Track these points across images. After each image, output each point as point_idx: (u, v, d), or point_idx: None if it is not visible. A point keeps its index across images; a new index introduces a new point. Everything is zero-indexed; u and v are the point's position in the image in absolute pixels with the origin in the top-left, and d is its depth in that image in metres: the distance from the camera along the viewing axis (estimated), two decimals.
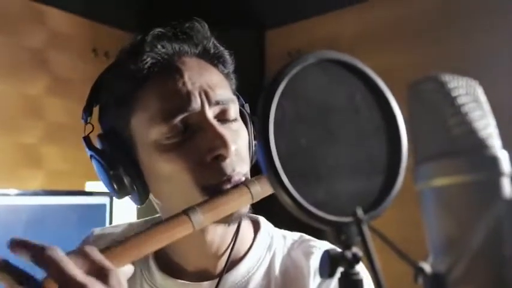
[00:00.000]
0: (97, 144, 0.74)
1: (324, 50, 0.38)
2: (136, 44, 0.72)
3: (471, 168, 0.27)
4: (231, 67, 0.78)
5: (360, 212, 0.30)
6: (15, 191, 1.80)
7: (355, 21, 2.76)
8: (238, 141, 0.71)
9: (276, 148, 0.34)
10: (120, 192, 0.73)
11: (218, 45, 0.77)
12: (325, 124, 0.37)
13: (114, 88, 0.73)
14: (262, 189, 0.67)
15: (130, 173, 0.71)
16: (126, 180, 0.71)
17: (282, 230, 0.83)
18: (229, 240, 0.75)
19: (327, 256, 0.36)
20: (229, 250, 0.75)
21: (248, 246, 0.78)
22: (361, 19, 2.73)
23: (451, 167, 0.28)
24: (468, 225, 0.27)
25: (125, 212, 1.98)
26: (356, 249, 0.37)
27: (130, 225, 0.88)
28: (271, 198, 0.68)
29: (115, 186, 0.72)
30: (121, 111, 0.72)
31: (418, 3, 2.52)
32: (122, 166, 0.71)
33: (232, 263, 0.75)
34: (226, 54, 0.77)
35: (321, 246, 0.77)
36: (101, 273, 0.53)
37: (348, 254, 0.36)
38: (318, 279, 0.73)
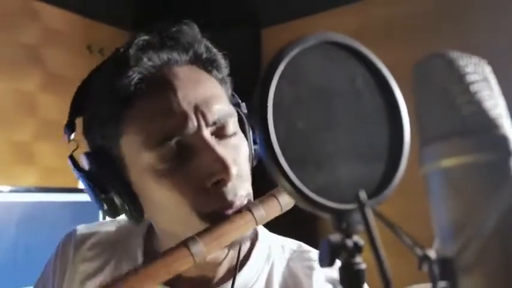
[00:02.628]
0: (83, 162, 0.69)
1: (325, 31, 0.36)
2: (120, 57, 0.65)
3: (480, 148, 0.26)
4: (225, 70, 0.73)
5: (362, 195, 0.29)
6: (8, 188, 1.78)
7: (351, 19, 2.75)
8: (239, 159, 0.66)
9: (275, 132, 0.33)
10: (113, 214, 0.69)
11: (211, 47, 0.71)
12: (325, 108, 0.36)
13: (99, 107, 0.68)
14: (267, 213, 0.63)
15: (122, 197, 0.66)
16: (118, 203, 0.67)
17: (280, 238, 0.80)
18: (227, 250, 0.72)
19: (328, 245, 0.34)
20: (228, 260, 0.72)
21: (245, 255, 0.75)
22: (357, 17, 2.73)
23: (459, 147, 0.26)
24: (477, 207, 0.26)
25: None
26: (357, 238, 0.35)
27: (118, 222, 0.85)
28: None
29: (107, 208, 0.68)
30: (108, 131, 0.67)
31: (415, 1, 2.51)
32: (113, 189, 0.66)
33: (230, 273, 0.72)
34: (219, 57, 0.72)
35: None
36: None
37: (349, 242, 0.35)
38: None
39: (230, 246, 0.65)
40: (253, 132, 0.73)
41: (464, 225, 0.26)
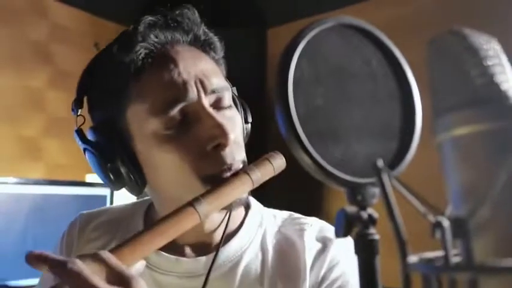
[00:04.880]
0: (89, 136, 0.73)
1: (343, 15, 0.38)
2: (129, 34, 0.71)
3: (492, 117, 0.28)
4: (221, 53, 0.78)
5: (380, 163, 0.31)
6: (18, 180, 1.80)
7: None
8: (235, 128, 0.72)
9: (295, 107, 0.35)
10: (117, 184, 0.72)
11: (208, 31, 0.77)
12: (342, 87, 0.38)
13: (107, 81, 0.73)
14: (262, 174, 0.68)
15: (127, 165, 0.70)
16: (123, 172, 0.70)
17: (272, 209, 0.85)
18: (221, 217, 0.77)
19: (343, 215, 0.36)
20: (221, 227, 0.76)
21: (239, 223, 0.79)
22: (362, 18, 2.73)
23: (471, 116, 0.28)
24: (488, 172, 0.27)
25: (125, 196, 1.98)
26: (371, 210, 0.37)
27: (119, 207, 0.89)
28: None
29: (112, 178, 0.71)
30: (115, 103, 0.71)
31: (419, 2, 2.53)
32: (119, 158, 0.70)
33: (225, 239, 0.76)
34: (216, 40, 0.77)
35: (312, 222, 0.80)
36: (122, 281, 0.53)
37: (364, 214, 0.37)
38: (312, 254, 0.75)
39: (229, 207, 0.70)
40: (244, 112, 0.79)
41: (475, 189, 0.28)
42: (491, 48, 0.30)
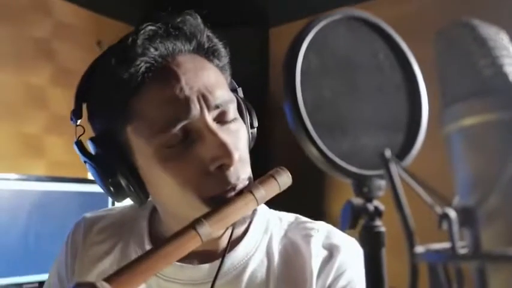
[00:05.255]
0: (89, 147, 0.72)
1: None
2: (128, 47, 0.67)
3: (500, 107, 0.28)
4: (225, 59, 0.76)
5: (387, 153, 0.31)
6: (20, 176, 1.81)
7: None
8: (240, 144, 0.69)
9: (302, 98, 0.35)
10: (119, 197, 0.71)
11: (212, 37, 0.74)
12: (349, 79, 0.38)
13: (106, 96, 0.70)
14: (266, 192, 0.67)
15: (128, 179, 0.69)
16: (124, 185, 0.69)
17: (278, 212, 0.84)
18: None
19: (350, 207, 0.36)
20: (227, 234, 0.75)
21: (244, 229, 0.78)
22: None
23: (480, 106, 0.28)
24: (496, 162, 0.27)
25: (127, 201, 1.98)
26: (378, 203, 0.37)
27: (124, 208, 0.88)
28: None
29: (113, 191, 0.70)
30: (114, 118, 0.70)
31: (424, 0, 2.53)
32: (119, 172, 0.69)
33: (230, 247, 0.75)
34: (220, 46, 0.75)
35: (319, 228, 0.78)
36: None
37: (370, 206, 0.37)
38: (318, 261, 0.73)
39: (233, 225, 0.69)
40: (250, 116, 0.77)
41: (484, 178, 0.28)
42: (499, 39, 0.30)
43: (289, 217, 0.82)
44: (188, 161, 0.66)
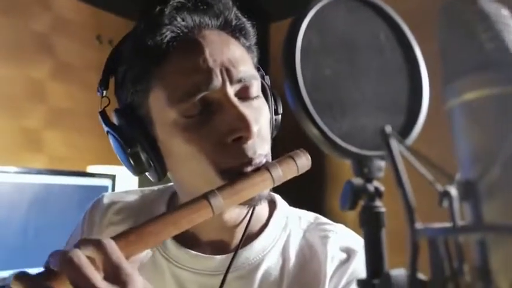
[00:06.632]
0: (113, 119, 0.72)
1: None
2: (155, 16, 0.68)
3: (503, 81, 0.27)
4: (253, 39, 0.75)
5: (388, 128, 0.30)
6: (20, 170, 1.80)
7: None
8: (260, 120, 0.68)
9: (302, 76, 0.34)
10: (137, 170, 0.71)
11: (240, 16, 0.74)
12: (350, 59, 0.37)
13: (131, 64, 0.71)
14: (284, 173, 0.65)
15: (148, 151, 0.69)
16: (143, 158, 0.69)
17: (297, 210, 0.82)
18: (243, 214, 0.75)
19: (350, 187, 0.36)
20: (244, 225, 0.74)
21: (263, 223, 0.77)
22: None
23: (482, 81, 0.28)
24: (499, 135, 0.27)
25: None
26: (377, 183, 0.37)
27: (142, 191, 0.87)
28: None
29: (132, 163, 0.70)
30: (138, 87, 0.70)
31: None
32: (139, 144, 0.69)
33: (247, 240, 0.74)
34: (248, 25, 0.74)
35: (337, 230, 0.76)
36: (119, 278, 0.51)
37: (370, 187, 0.36)
38: (334, 264, 0.72)
39: (247, 203, 0.67)
40: (275, 102, 0.76)
41: (485, 151, 0.27)
42: (502, 13, 0.30)
43: (308, 217, 0.80)
44: (206, 132, 0.65)
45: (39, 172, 1.85)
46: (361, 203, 0.37)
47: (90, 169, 2.23)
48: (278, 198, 0.81)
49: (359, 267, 0.71)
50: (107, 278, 0.51)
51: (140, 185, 2.02)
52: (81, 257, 0.50)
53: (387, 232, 0.36)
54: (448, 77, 0.30)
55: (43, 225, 1.77)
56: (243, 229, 0.74)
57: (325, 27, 0.37)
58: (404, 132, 0.39)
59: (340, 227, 0.78)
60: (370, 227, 0.36)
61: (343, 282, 0.70)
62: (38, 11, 2.68)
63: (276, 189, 0.84)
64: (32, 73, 2.63)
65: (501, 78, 0.28)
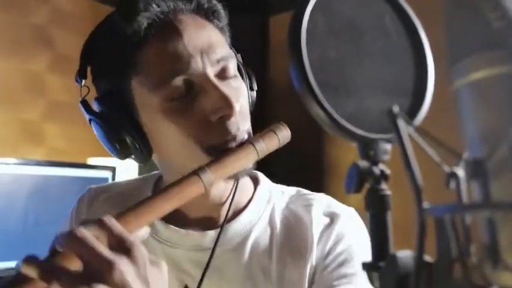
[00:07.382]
0: (95, 107, 0.73)
1: None
2: (130, 4, 0.69)
3: (508, 60, 0.27)
4: (225, 20, 0.77)
5: (396, 108, 0.30)
6: (19, 161, 1.80)
7: None
8: (240, 98, 0.71)
9: (308, 58, 0.34)
10: (123, 153, 0.73)
11: None
12: (355, 41, 0.37)
13: (110, 51, 0.72)
14: (267, 145, 0.68)
15: (133, 135, 0.71)
16: (128, 141, 0.71)
17: (280, 185, 0.85)
18: (229, 190, 0.77)
19: (356, 170, 0.36)
20: (230, 200, 0.77)
21: (248, 199, 0.80)
22: None
23: (490, 59, 0.28)
24: (506, 114, 0.27)
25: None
26: (383, 166, 0.37)
27: (127, 181, 0.90)
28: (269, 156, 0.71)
29: (117, 147, 0.71)
30: (118, 74, 0.71)
31: None
32: (124, 128, 0.70)
33: (234, 214, 0.77)
34: (219, 8, 0.76)
35: (319, 198, 0.80)
36: (124, 247, 0.52)
37: (376, 169, 0.36)
38: (319, 228, 0.75)
39: (234, 177, 0.71)
40: (250, 79, 0.78)
41: (493, 131, 0.27)
42: None
43: (290, 190, 0.84)
44: (190, 113, 0.68)
45: (38, 164, 1.85)
46: (367, 185, 0.37)
47: (91, 161, 2.23)
48: (261, 175, 0.84)
49: (343, 229, 0.75)
50: (112, 250, 0.52)
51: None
52: (86, 232, 0.52)
53: (392, 225, 0.36)
54: (454, 57, 0.30)
55: (43, 217, 1.77)
56: (228, 206, 0.76)
57: (331, 9, 0.37)
58: (410, 114, 0.39)
59: (321, 195, 0.81)
60: (376, 210, 0.36)
61: (330, 244, 0.74)
62: (36, 4, 2.66)
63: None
64: (30, 66, 2.61)
65: (509, 56, 0.27)
